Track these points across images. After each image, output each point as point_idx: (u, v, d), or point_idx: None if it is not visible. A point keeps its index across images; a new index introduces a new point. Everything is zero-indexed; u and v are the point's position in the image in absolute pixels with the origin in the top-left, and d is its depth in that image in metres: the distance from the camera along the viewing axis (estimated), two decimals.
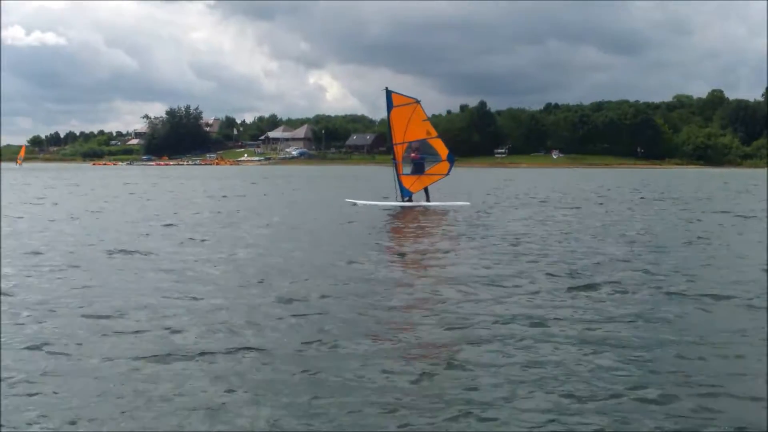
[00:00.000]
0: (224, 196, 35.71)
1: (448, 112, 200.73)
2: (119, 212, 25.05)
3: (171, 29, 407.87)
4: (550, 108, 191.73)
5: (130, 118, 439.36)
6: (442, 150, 27.60)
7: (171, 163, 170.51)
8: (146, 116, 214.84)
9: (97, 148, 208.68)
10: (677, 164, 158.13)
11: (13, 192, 38.17)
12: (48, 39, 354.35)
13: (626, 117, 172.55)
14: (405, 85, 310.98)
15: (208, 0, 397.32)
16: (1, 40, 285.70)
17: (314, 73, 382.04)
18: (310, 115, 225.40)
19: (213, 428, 5.22)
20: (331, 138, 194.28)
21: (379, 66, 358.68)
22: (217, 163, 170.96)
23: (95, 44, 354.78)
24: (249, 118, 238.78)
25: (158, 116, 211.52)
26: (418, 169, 27.42)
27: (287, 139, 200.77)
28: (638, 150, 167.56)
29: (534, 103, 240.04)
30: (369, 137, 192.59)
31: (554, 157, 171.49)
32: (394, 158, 27.70)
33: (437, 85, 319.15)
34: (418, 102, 27.62)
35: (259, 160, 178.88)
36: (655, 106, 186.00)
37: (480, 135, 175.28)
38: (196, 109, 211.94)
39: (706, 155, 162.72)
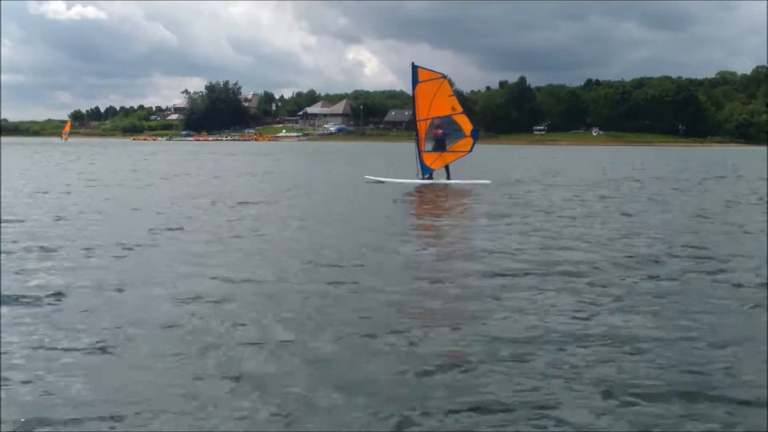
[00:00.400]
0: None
1: (487, 88, 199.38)
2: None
3: (210, 3, 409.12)
4: (590, 84, 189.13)
5: (169, 93, 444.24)
6: (467, 126, 27.27)
7: (210, 138, 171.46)
8: (185, 91, 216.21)
9: (137, 123, 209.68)
10: (719, 142, 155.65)
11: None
12: (88, 12, 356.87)
13: (668, 94, 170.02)
14: (444, 60, 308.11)
15: None
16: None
17: (352, 48, 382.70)
18: (349, 90, 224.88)
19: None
20: (369, 114, 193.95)
21: (417, 41, 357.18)
22: (256, 139, 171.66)
23: (135, 18, 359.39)
24: (287, 94, 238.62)
25: (197, 91, 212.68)
26: (440, 146, 27.11)
27: (325, 115, 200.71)
28: (680, 127, 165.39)
29: (574, 80, 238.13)
30: (407, 113, 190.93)
31: (594, 134, 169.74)
32: (417, 135, 27.48)
33: (477, 61, 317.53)
34: (445, 77, 27.38)
35: (297, 136, 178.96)
36: (698, 83, 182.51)
37: (519, 112, 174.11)
38: (236, 84, 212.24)
39: (749, 133, 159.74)
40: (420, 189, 25.22)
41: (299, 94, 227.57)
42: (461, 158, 27.69)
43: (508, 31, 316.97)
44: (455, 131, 27.16)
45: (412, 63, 27.40)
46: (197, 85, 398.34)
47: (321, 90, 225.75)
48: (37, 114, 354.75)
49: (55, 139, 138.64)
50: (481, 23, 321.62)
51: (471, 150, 27.36)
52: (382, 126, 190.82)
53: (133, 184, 26.02)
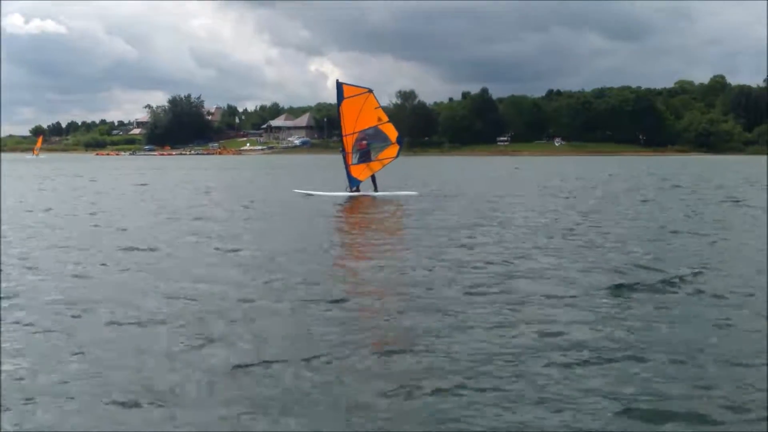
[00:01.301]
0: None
1: (450, 99, 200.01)
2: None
3: (171, 17, 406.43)
4: (552, 95, 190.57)
5: (131, 107, 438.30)
6: (392, 133, 27.76)
7: (174, 153, 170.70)
8: (148, 105, 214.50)
9: (99, 138, 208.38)
10: (679, 151, 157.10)
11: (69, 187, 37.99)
12: (47, 26, 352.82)
13: (628, 103, 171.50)
14: (408, 71, 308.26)
15: None
16: (1, 30, 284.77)
17: (315, 61, 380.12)
18: (312, 103, 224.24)
19: None
20: (333, 126, 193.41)
21: (380, 53, 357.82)
22: (220, 153, 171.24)
23: (95, 32, 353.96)
24: (251, 107, 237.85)
25: (160, 105, 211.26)
26: (365, 157, 27.41)
27: (289, 128, 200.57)
28: (640, 137, 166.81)
29: (538, 90, 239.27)
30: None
31: (557, 144, 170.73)
32: (343, 149, 27.66)
33: (440, 73, 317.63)
34: (370, 91, 27.62)
35: (261, 150, 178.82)
36: (657, 92, 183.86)
37: (482, 122, 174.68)
38: (198, 98, 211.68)
39: (709, 142, 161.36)
40: (347, 201, 25.52)
41: (263, 108, 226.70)
42: (389, 166, 28.11)
43: (471, 43, 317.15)
44: (382, 140, 27.44)
45: (337, 80, 28.04)
46: (159, 99, 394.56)
47: (284, 103, 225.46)
48: None
49: (26, 155, 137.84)
50: (445, 35, 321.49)
51: (397, 156, 27.78)
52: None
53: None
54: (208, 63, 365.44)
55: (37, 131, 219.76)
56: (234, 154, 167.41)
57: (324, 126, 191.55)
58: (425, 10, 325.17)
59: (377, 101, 27.64)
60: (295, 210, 22.99)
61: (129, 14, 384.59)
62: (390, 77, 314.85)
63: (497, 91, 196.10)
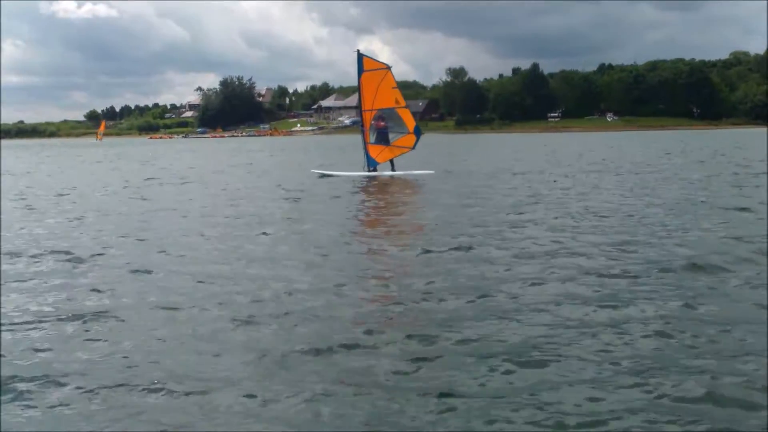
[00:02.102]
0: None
1: (500, 75, 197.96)
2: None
3: None
4: (603, 69, 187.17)
5: (183, 90, 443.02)
6: (410, 122, 27.42)
7: (226, 135, 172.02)
8: (199, 88, 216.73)
9: (153, 121, 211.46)
10: (734, 124, 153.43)
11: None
12: (99, 11, 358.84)
13: (681, 76, 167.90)
14: (457, 48, 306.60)
15: None
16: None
17: (365, 39, 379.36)
18: None
19: None
20: None
21: (430, 29, 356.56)
22: (271, 134, 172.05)
23: (147, 15, 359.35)
24: (301, 87, 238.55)
25: (211, 88, 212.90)
26: (383, 138, 27.13)
27: (339, 108, 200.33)
28: (694, 110, 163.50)
29: (589, 64, 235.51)
30: (421, 104, 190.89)
31: (609, 119, 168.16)
32: (362, 125, 27.47)
33: (490, 48, 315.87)
34: (389, 68, 27.34)
35: (312, 130, 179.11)
36: (712, 64, 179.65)
37: (533, 99, 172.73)
38: (250, 79, 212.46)
39: (764, 114, 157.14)
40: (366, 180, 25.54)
41: (313, 88, 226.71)
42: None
43: (521, 17, 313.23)
44: (399, 126, 27.15)
45: (357, 51, 27.51)
46: (211, 81, 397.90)
47: (334, 82, 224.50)
48: (52, 115, 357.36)
49: (90, 140, 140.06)
50: (493, 10, 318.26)
51: (414, 147, 27.38)
52: None
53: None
54: (258, 44, 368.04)
55: (91, 116, 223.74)
56: (285, 135, 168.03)
57: None
58: None
59: (395, 80, 27.41)
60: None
61: None
62: (440, 54, 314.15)
63: (547, 66, 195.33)
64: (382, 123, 26.94)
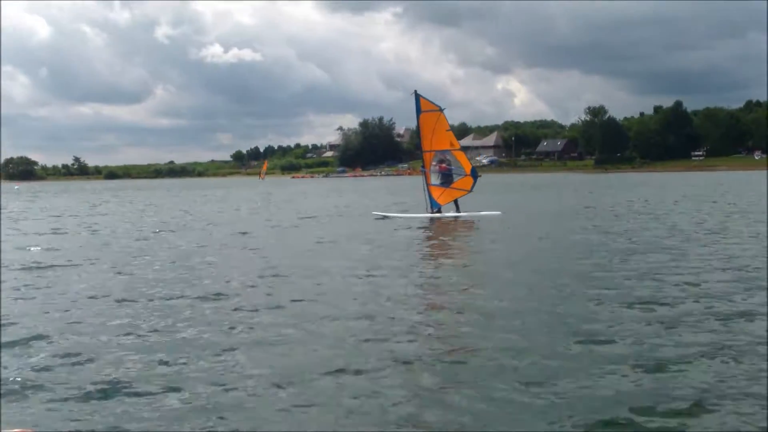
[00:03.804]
0: None
1: (641, 114, 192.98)
2: None
3: (360, 41, 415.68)
4: (750, 106, 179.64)
5: (323, 131, 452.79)
6: (466, 164, 27.10)
7: (365, 174, 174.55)
8: (340, 128, 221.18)
9: (294, 161, 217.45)
10: None
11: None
12: (245, 55, 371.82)
13: None
14: (594, 86, 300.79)
15: (396, 9, 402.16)
16: None
17: (502, 79, 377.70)
18: (498, 121, 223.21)
19: None
20: (521, 144, 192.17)
21: (566, 68, 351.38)
22: (409, 173, 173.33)
23: (288, 58, 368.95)
24: None
25: (351, 128, 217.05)
26: (447, 180, 26.78)
27: (477, 147, 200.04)
28: None
29: (733, 101, 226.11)
30: (560, 143, 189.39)
31: (756, 158, 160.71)
32: (423, 166, 27.26)
33: (628, 86, 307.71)
34: (442, 110, 27.13)
35: None
36: None
37: (675, 137, 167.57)
38: (390, 120, 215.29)
39: None
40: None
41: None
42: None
43: (661, 53, 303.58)
44: (458, 168, 26.81)
45: (415, 91, 27.44)
46: (350, 121, 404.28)
47: (471, 122, 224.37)
48: (199, 156, 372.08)
49: (254, 179, 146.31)
50: (632, 46, 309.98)
51: (471, 189, 26.91)
52: (534, 156, 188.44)
53: None
54: (396, 85, 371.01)
55: (237, 156, 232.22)
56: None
57: (512, 145, 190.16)
58: (612, 21, 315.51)
59: (448, 122, 27.29)
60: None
61: (320, 40, 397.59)
62: (577, 93, 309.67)
63: (689, 103, 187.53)
64: (444, 165, 26.64)
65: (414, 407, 5.99)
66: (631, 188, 57.31)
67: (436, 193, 26.85)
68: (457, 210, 26.85)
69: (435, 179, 26.92)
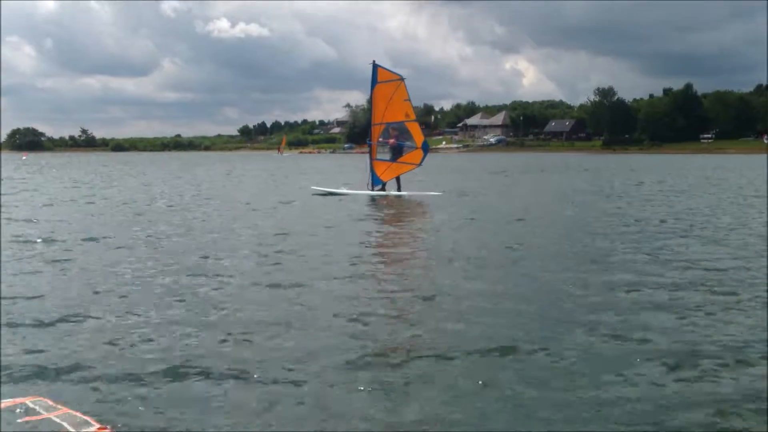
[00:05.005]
0: None
1: (651, 95, 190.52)
2: None
3: (367, 17, 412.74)
4: (761, 90, 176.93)
5: (330, 107, 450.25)
6: (418, 137, 26.09)
7: None
8: (348, 105, 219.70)
9: (302, 137, 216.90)
10: None
11: None
12: (252, 30, 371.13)
13: None
14: (603, 67, 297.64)
15: None
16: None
17: (510, 58, 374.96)
18: (507, 101, 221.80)
19: None
20: (528, 124, 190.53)
21: (576, 48, 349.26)
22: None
23: (296, 34, 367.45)
24: (446, 106, 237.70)
25: (358, 104, 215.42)
26: (396, 154, 25.74)
27: (485, 126, 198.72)
28: None
29: (744, 85, 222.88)
30: (568, 123, 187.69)
31: (766, 141, 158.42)
32: (369, 140, 26.21)
33: (638, 67, 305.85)
34: (402, 79, 26.05)
35: (457, 148, 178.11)
36: None
37: (684, 119, 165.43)
38: None
39: None
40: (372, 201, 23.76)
41: (458, 106, 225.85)
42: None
43: (670, 35, 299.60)
44: (410, 141, 25.71)
45: (373, 61, 26.51)
46: (357, 98, 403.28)
47: (479, 101, 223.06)
48: (206, 130, 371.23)
49: (273, 153, 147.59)
50: (642, 27, 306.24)
51: (420, 163, 25.90)
52: (542, 136, 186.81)
53: None
54: (403, 62, 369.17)
55: (244, 131, 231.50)
56: (429, 151, 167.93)
57: (520, 124, 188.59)
58: (622, 1, 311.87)
59: (407, 92, 26.01)
60: None
61: (327, 16, 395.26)
62: (585, 73, 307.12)
63: (699, 86, 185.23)
64: (393, 141, 25.51)
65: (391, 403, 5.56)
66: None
67: (381, 169, 25.91)
68: (398, 189, 25.74)
69: (382, 153, 25.86)
